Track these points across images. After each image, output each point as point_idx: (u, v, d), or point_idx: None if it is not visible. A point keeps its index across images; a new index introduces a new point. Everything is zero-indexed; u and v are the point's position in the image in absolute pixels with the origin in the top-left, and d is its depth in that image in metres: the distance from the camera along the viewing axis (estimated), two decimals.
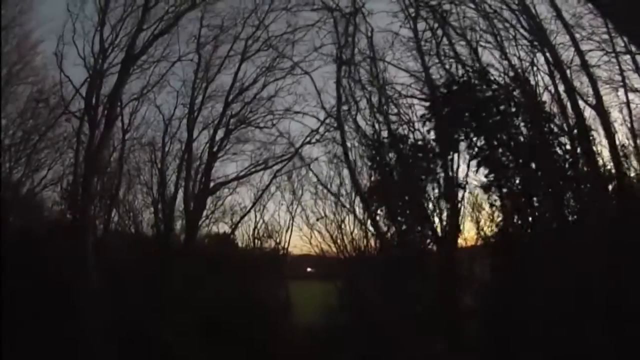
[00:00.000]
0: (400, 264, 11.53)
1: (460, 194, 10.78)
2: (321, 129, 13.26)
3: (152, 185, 14.38)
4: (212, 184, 13.65)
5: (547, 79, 11.42)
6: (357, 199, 12.55)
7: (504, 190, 10.23)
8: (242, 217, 14.41)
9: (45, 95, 13.82)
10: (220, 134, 13.60)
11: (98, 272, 12.07)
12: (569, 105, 11.23)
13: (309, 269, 19.20)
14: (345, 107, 11.69)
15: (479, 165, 10.29)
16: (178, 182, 13.54)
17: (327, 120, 12.83)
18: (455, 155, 10.67)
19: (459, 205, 10.67)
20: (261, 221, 15.06)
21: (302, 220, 15.06)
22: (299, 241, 15.63)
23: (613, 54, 11.40)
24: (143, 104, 14.22)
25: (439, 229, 10.76)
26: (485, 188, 10.33)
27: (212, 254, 14.24)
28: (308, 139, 13.61)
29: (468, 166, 10.52)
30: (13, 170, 14.82)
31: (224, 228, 14.77)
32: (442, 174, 10.77)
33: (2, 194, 14.41)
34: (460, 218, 10.63)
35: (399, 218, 11.70)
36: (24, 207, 15.22)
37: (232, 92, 13.58)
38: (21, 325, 10.30)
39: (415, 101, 11.50)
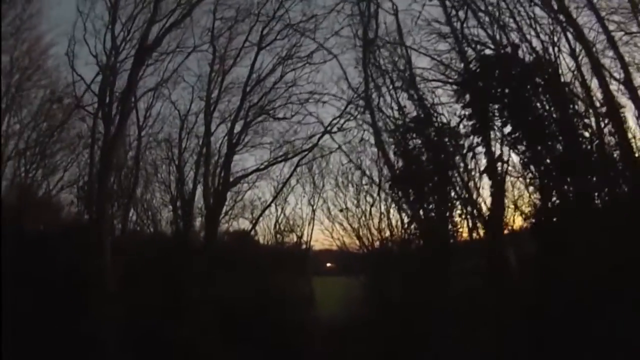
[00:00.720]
0: (430, 255, 11.18)
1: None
2: (342, 118, 13.03)
3: (169, 183, 14.21)
4: (231, 179, 13.34)
5: (569, 60, 11.10)
6: (382, 187, 12.14)
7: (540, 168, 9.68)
8: (262, 211, 14.09)
9: (58, 95, 13.62)
10: (238, 128, 13.29)
11: (115, 272, 11.91)
12: (593, 84, 10.88)
13: (329, 264, 18.92)
14: (371, 86, 11.25)
15: (513, 145, 9.80)
16: (196, 178, 13.30)
17: (350, 107, 12.61)
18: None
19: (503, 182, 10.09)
20: (282, 215, 14.71)
21: (324, 214, 14.82)
22: (320, 235, 15.30)
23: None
24: (158, 101, 14.17)
25: (472, 212, 10.31)
26: (525, 165, 9.78)
27: (233, 251, 13.89)
28: (331, 126, 13.35)
29: (501, 143, 9.99)
30: (29, 173, 14.78)
31: (244, 224, 14.44)
32: (471, 155, 10.30)
33: (19, 198, 14.41)
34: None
35: (427, 206, 11.28)
36: (40, 210, 15.18)
37: (250, 83, 13.29)
38: (36, 327, 10.10)
39: (440, 84, 11.15)
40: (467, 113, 9.90)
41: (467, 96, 9.78)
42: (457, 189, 10.95)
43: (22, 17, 13.71)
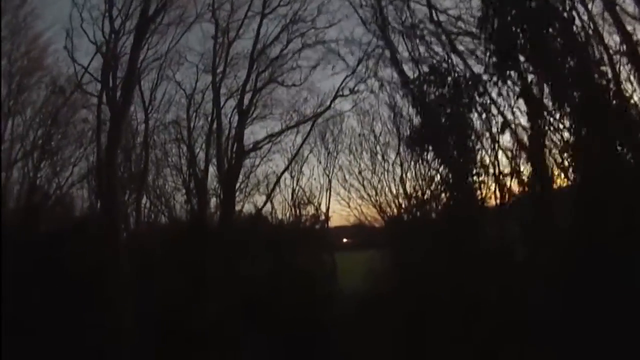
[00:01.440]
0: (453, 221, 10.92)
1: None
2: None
3: (181, 166, 13.94)
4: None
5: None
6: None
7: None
8: (277, 180, 13.71)
9: (59, 85, 13.33)
10: (246, 102, 12.97)
11: (132, 262, 11.70)
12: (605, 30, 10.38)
13: (345, 240, 18.75)
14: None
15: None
16: (208, 157, 12.96)
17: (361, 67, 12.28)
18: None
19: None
20: (298, 187, 14.42)
21: (339, 183, 14.62)
22: (337, 206, 15.09)
23: None
24: (162, 83, 13.80)
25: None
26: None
27: (251, 231, 13.65)
28: (343, 85, 13.05)
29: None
30: (37, 173, 14.54)
31: (260, 199, 14.15)
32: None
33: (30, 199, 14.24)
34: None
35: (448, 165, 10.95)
36: (52, 208, 14.99)
37: (255, 52, 12.90)
38: (53, 321, 10.15)
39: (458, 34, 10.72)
40: (489, 48, 9.48)
41: (489, 27, 9.35)
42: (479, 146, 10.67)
43: (18, 17, 13.65)
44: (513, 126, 10.39)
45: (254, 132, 13.78)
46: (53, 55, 14.07)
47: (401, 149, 12.44)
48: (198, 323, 11.32)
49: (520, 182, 10.36)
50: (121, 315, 10.88)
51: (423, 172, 11.56)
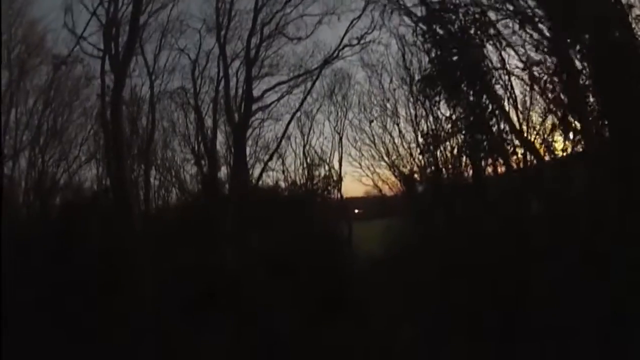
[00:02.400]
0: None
1: None
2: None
3: (189, 136, 13.72)
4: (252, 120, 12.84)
5: None
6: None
7: None
8: (284, 133, 13.53)
9: (61, 58, 13.12)
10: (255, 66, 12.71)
11: (146, 237, 11.62)
12: None
13: (356, 211, 18.67)
14: None
15: None
16: (216, 120, 12.72)
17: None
18: None
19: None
20: (309, 147, 14.24)
21: (350, 143, 14.51)
22: (349, 168, 14.92)
23: None
24: (165, 51, 13.55)
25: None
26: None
27: (264, 195, 13.44)
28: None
29: None
30: (45, 157, 14.35)
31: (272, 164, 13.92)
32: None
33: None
34: None
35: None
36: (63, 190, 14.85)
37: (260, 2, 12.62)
38: (73, 303, 9.77)
39: None
40: None
41: None
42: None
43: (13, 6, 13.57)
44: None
45: (263, 99, 13.47)
46: (53, 39, 14.04)
47: (412, 96, 12.12)
48: (220, 284, 11.13)
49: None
50: (142, 284, 10.69)
51: (437, 117, 11.33)
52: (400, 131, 13.31)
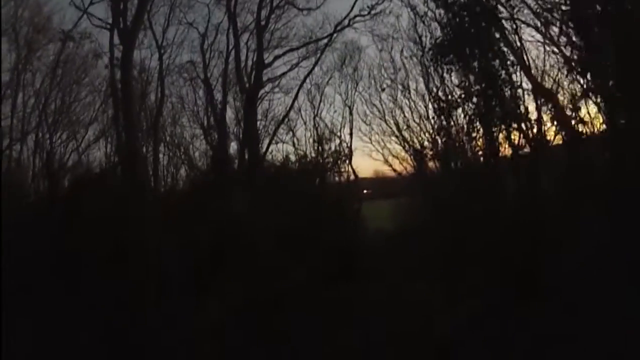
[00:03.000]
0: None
1: None
2: None
3: (198, 111, 13.65)
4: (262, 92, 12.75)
5: None
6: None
7: None
8: (290, 106, 13.31)
9: (68, 33, 13.03)
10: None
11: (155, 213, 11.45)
12: None
13: (365, 191, 18.66)
14: None
15: None
16: (225, 95, 12.61)
17: None
18: None
19: None
20: (319, 119, 14.16)
21: (360, 118, 14.48)
22: (359, 143, 14.82)
23: None
24: (173, 26, 13.43)
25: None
26: None
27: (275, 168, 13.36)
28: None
29: None
30: (53, 137, 14.30)
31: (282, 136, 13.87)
32: None
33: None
34: None
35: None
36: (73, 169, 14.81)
37: None
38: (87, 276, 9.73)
39: None
40: None
41: None
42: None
43: None
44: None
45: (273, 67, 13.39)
46: (60, 18, 13.86)
47: (424, 67, 12.01)
48: (233, 255, 11.07)
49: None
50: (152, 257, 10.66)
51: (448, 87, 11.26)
52: (410, 106, 13.23)
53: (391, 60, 13.37)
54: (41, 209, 13.00)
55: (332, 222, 12.04)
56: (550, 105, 10.13)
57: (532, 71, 10.59)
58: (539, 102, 10.59)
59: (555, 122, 10.02)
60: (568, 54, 9.53)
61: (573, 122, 9.67)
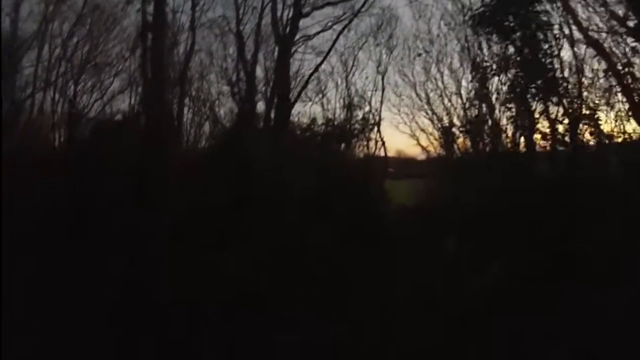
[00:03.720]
0: None
1: None
2: None
3: (226, 68, 13.27)
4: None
5: None
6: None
7: None
8: (320, 63, 12.94)
9: None
10: None
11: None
12: None
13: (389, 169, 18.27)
14: None
15: None
16: (256, 52, 12.20)
17: None
18: None
19: None
20: (350, 86, 13.77)
21: (391, 88, 14.00)
22: (388, 113, 14.39)
23: None
24: None
25: None
26: None
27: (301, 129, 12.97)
28: None
29: None
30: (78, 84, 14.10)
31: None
32: None
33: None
34: None
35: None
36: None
37: None
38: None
39: None
40: None
41: None
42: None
43: None
44: None
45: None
46: None
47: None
48: (251, 216, 10.72)
49: None
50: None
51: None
52: (443, 80, 12.84)
53: (427, 32, 12.93)
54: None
55: (358, 187, 11.62)
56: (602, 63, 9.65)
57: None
58: (580, 75, 10.23)
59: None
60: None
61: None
